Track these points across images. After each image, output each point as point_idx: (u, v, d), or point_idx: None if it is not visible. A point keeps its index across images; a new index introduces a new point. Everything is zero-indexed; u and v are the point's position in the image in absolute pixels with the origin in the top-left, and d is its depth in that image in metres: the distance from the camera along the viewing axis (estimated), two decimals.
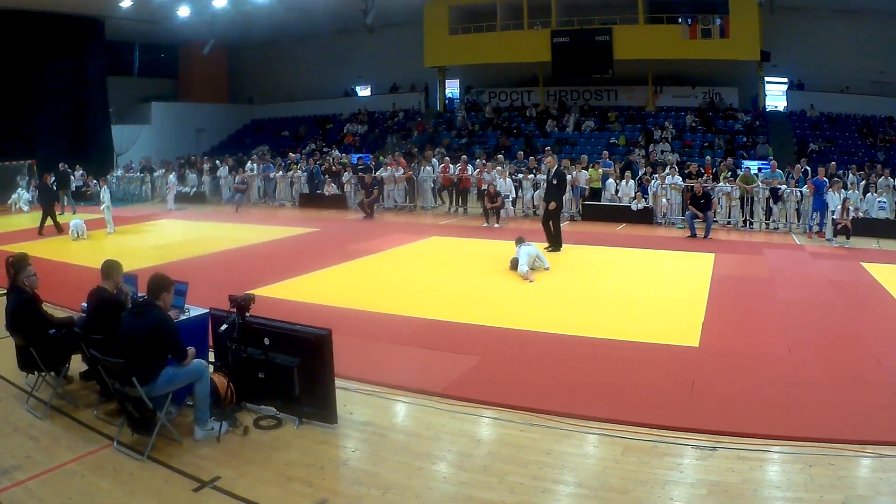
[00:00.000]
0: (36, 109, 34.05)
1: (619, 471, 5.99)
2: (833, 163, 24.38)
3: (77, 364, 7.82)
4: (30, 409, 7.37)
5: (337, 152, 34.08)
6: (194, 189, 30.52)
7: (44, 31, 33.30)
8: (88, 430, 6.90)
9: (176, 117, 42.73)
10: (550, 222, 17.04)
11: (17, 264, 7.58)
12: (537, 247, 14.99)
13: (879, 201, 20.20)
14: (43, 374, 7.59)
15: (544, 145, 31.81)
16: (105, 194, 21.53)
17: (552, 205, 16.91)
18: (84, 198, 29.81)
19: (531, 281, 13.45)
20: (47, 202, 22.42)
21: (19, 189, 28.96)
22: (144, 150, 38.25)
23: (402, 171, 26.48)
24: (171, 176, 29.22)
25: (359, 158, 32.56)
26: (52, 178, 25.22)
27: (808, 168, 22.28)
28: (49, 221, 21.39)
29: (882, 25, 31.38)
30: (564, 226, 21.92)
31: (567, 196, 23.55)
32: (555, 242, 16.88)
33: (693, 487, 5.71)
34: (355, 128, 41.15)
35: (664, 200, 22.18)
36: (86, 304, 7.68)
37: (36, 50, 33.37)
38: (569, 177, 23.26)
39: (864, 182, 22.03)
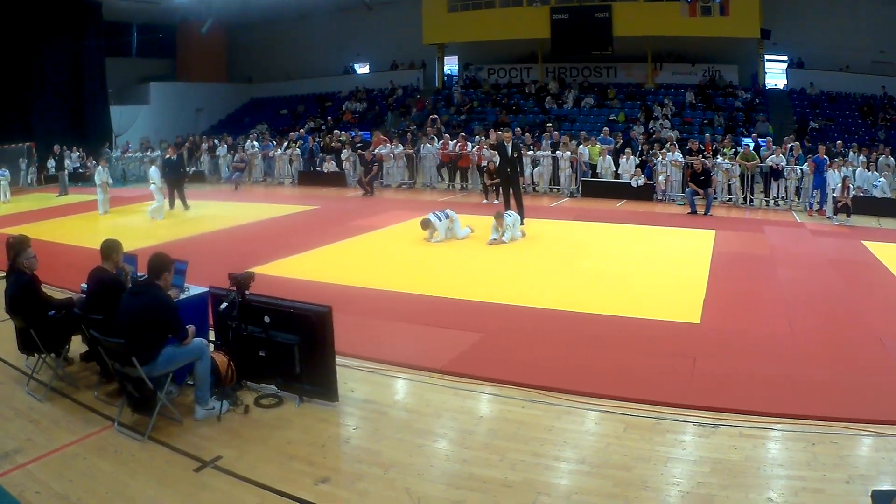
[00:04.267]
0: (34, 91, 33.78)
1: (621, 448, 5.99)
2: (839, 141, 24.27)
3: (77, 345, 7.81)
4: (30, 391, 7.37)
5: (337, 131, 33.83)
6: (192, 169, 30.36)
7: (42, 13, 32.97)
8: (89, 412, 6.89)
9: (174, 97, 42.33)
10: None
11: (17, 246, 7.55)
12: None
13: (878, 182, 20.02)
14: (43, 355, 7.58)
15: (543, 122, 31.59)
16: (105, 174, 21.27)
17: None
18: (82, 179, 29.66)
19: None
20: (175, 177, 21.52)
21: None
22: (143, 130, 37.95)
23: (400, 147, 26.43)
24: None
25: (356, 135, 32.39)
26: (177, 154, 22.98)
27: (794, 144, 22.16)
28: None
29: (882, 5, 31.06)
30: (564, 202, 21.99)
31: (567, 173, 23.54)
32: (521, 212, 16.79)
33: (695, 465, 5.71)
34: (354, 105, 40.90)
35: (661, 178, 22.08)
36: (85, 285, 7.65)
37: (34, 32, 33.00)
38: (566, 154, 23.24)
39: (863, 159, 21.75)
